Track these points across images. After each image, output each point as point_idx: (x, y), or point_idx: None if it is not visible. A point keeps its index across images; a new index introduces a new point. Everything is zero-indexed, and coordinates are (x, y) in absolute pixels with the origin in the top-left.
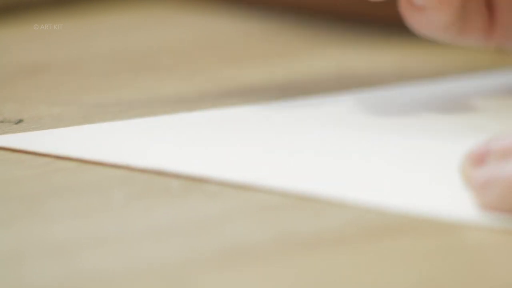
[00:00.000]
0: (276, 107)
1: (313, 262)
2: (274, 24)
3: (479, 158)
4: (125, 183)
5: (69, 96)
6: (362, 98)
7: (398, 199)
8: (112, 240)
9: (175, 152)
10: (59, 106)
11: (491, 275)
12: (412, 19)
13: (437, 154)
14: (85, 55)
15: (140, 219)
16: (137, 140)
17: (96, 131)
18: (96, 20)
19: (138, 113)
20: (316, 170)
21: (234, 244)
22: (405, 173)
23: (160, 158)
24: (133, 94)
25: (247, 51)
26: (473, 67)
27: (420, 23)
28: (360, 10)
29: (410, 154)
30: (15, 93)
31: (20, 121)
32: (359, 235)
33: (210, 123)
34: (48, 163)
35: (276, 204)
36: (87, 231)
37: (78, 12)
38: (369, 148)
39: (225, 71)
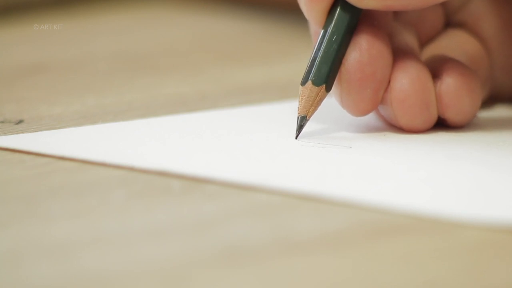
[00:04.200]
0: (276, 107)
1: (313, 262)
2: (274, 24)
3: None
4: (125, 183)
5: (69, 96)
6: None
7: (398, 199)
8: (112, 240)
9: (175, 152)
10: (59, 106)
11: (491, 275)
12: None
13: (436, 154)
14: (85, 55)
15: (140, 219)
16: (137, 140)
17: (96, 131)
18: (96, 20)
19: (138, 114)
20: (317, 170)
21: (234, 244)
22: (405, 173)
23: (160, 159)
24: (133, 94)
25: (247, 51)
26: None
27: None
28: None
29: (410, 153)
30: (15, 93)
31: (20, 121)
32: (359, 235)
33: (211, 123)
34: (48, 163)
35: (276, 204)
36: (87, 231)
37: (78, 12)
38: (369, 148)
39: (225, 71)
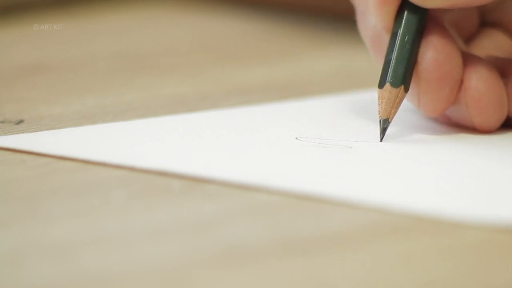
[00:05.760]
0: (276, 107)
1: (313, 262)
2: (274, 24)
3: None
4: (125, 183)
5: (69, 96)
6: (361, 97)
7: (398, 199)
8: (113, 240)
9: (176, 152)
10: (59, 106)
11: (491, 275)
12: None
13: (436, 153)
14: (85, 55)
15: (140, 219)
16: (137, 140)
17: (96, 131)
18: (96, 20)
19: (138, 114)
20: (316, 170)
21: (234, 244)
22: (405, 173)
23: (160, 159)
24: (133, 94)
25: (247, 51)
26: None
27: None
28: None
29: (410, 153)
30: (15, 94)
31: (20, 121)
32: (359, 235)
33: (211, 123)
34: (48, 163)
35: (276, 204)
36: (88, 231)
37: (78, 12)
38: (369, 147)
39: (225, 71)
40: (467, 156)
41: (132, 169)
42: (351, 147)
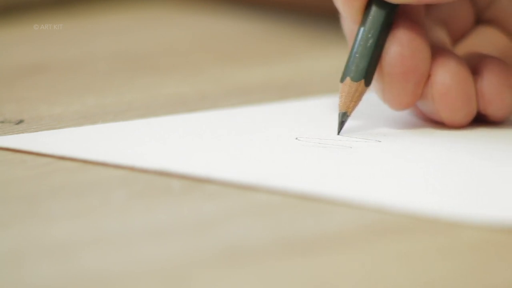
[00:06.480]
0: (276, 107)
1: (313, 262)
2: (274, 24)
3: None
4: (125, 183)
5: (69, 96)
6: None
7: (398, 199)
8: (113, 240)
9: (176, 152)
10: (59, 106)
11: (490, 274)
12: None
13: (436, 153)
14: (85, 55)
15: (140, 219)
16: (137, 140)
17: (96, 131)
18: (96, 20)
19: (138, 114)
20: (316, 170)
21: (234, 244)
22: (405, 173)
23: (160, 159)
24: (133, 94)
25: (247, 51)
26: None
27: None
28: None
29: (410, 153)
30: (15, 94)
31: (20, 121)
32: (359, 235)
33: (211, 123)
34: (49, 163)
35: (276, 204)
36: (88, 231)
37: (78, 12)
38: (369, 147)
39: (225, 71)
40: (460, 154)
41: (132, 169)
42: (351, 147)
